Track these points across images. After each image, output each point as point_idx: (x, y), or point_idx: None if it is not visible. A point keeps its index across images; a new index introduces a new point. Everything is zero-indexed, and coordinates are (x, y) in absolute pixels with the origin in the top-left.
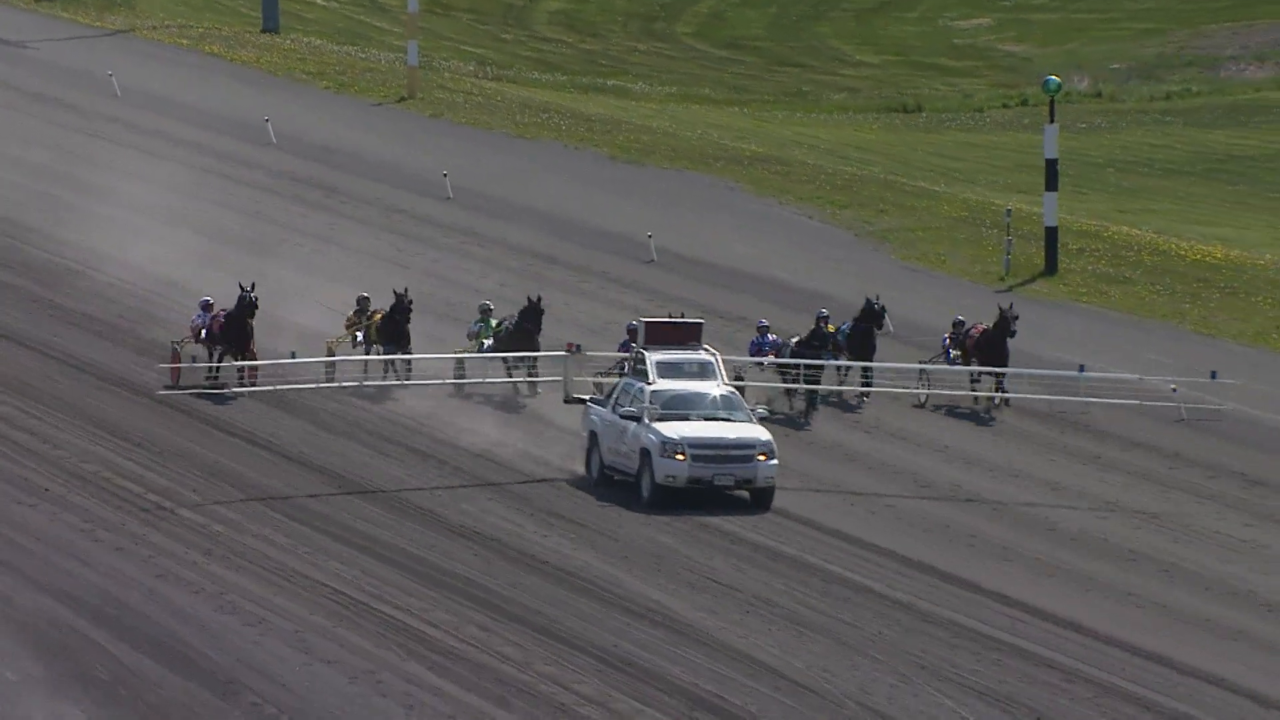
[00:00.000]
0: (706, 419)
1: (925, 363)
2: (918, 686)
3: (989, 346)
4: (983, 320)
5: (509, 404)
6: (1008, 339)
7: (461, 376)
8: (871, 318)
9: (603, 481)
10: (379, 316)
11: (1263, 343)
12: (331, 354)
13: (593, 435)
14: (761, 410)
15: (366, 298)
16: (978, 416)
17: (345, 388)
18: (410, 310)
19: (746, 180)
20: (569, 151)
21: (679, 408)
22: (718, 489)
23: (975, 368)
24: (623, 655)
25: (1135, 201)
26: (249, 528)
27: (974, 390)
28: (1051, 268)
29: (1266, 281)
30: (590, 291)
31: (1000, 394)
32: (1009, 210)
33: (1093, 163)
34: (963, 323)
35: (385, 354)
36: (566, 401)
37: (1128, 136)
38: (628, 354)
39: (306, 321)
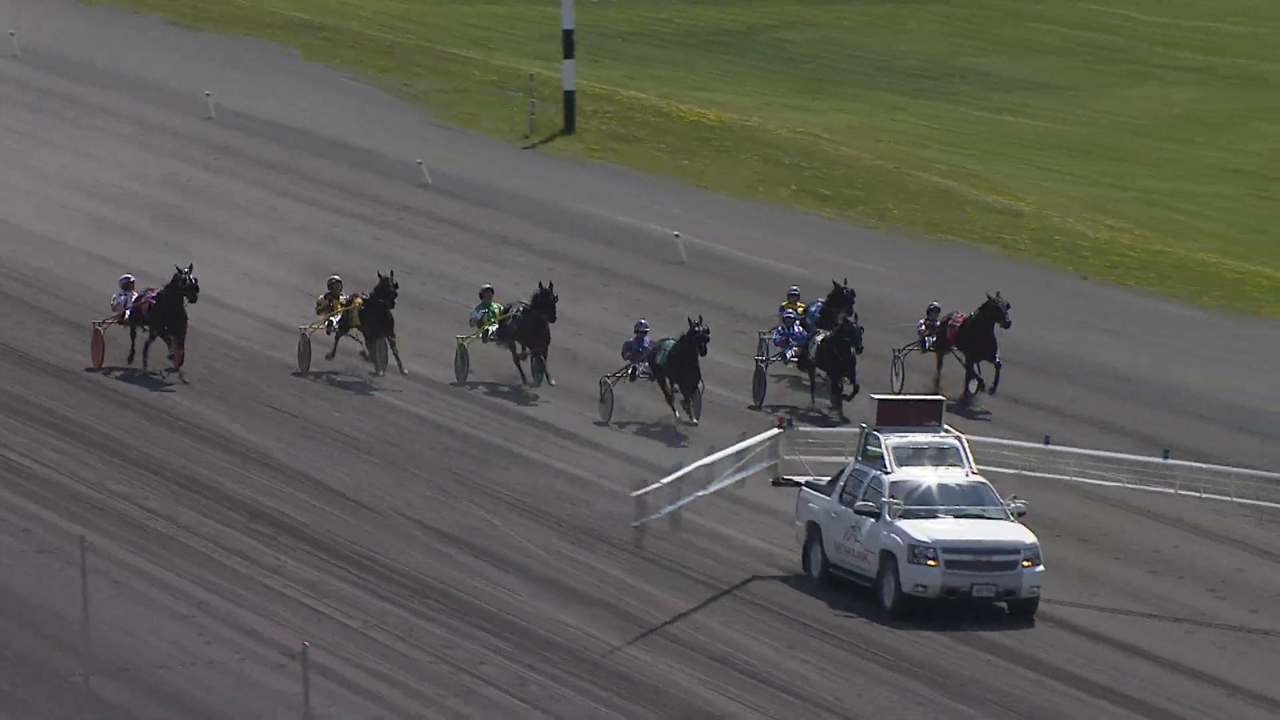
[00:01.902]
0: (957, 516)
1: (899, 352)
2: None
3: (974, 335)
4: (963, 309)
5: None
6: (994, 328)
7: (464, 367)
8: (840, 302)
9: (827, 582)
10: (359, 301)
11: (749, 194)
12: (307, 341)
13: (813, 527)
14: (1018, 504)
15: (338, 280)
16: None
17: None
18: (395, 294)
19: (298, 45)
20: (131, 16)
21: (924, 502)
22: (975, 600)
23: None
24: None
25: (641, 69)
26: None
27: (966, 382)
28: (570, 127)
29: (752, 140)
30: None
31: (979, 381)
32: (531, 76)
33: (605, 34)
34: (937, 309)
35: (371, 343)
36: (776, 484)
37: (634, 11)
38: (631, 363)
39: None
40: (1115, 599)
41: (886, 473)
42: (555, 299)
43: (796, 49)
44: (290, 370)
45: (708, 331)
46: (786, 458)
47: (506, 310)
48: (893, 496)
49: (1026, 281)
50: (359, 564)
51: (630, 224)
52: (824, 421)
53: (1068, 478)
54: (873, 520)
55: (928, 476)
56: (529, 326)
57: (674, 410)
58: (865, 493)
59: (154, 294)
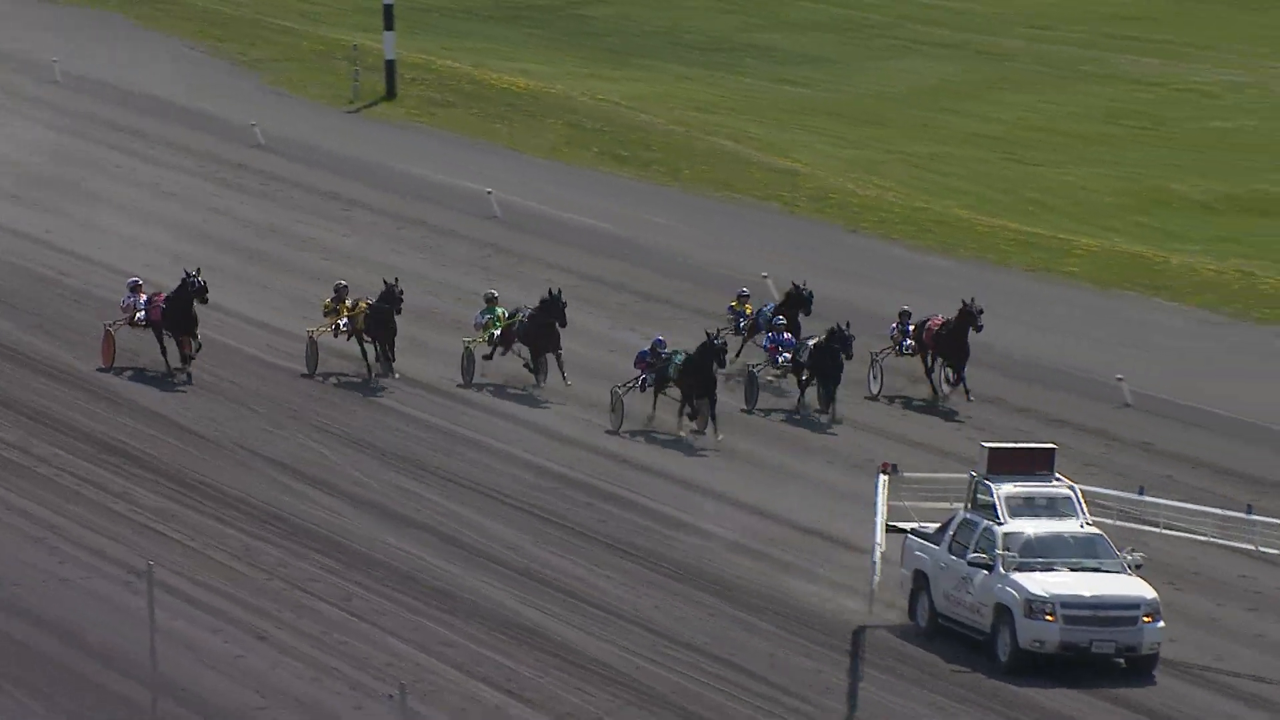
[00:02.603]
0: (1072, 568)
1: (877, 355)
2: None
3: (949, 341)
4: (940, 313)
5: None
6: (969, 333)
7: (470, 369)
8: (798, 303)
9: (934, 632)
10: (365, 305)
11: (555, 155)
12: (314, 344)
13: (920, 576)
14: (1135, 557)
15: (345, 285)
16: None
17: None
18: (401, 301)
19: (137, 15)
20: None
21: (1039, 554)
22: (1094, 656)
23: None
24: None
25: (456, 41)
26: None
27: (937, 384)
28: (391, 94)
29: (557, 107)
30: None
31: (956, 383)
32: (355, 46)
33: (423, 8)
34: (909, 313)
35: (373, 346)
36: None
37: None
38: (644, 373)
39: None
40: (1228, 645)
41: (999, 523)
42: (564, 304)
43: (598, 23)
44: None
45: (725, 344)
46: (891, 504)
47: (512, 315)
48: (1006, 548)
49: (804, 235)
50: (201, 491)
51: (447, 182)
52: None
53: (1157, 529)
54: (986, 572)
55: (1042, 527)
56: (537, 330)
57: (683, 420)
58: (977, 543)
59: (163, 297)
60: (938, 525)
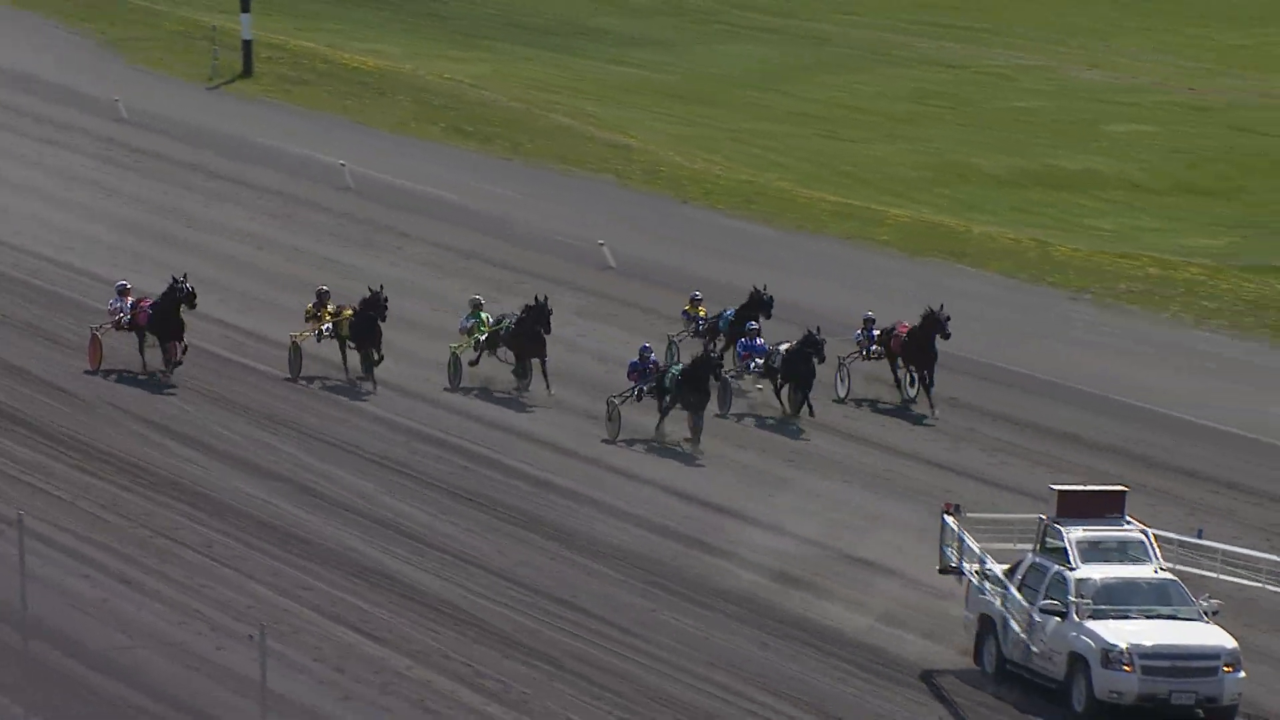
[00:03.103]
0: (1148, 616)
1: (844, 360)
2: None
3: (916, 346)
4: (905, 320)
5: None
6: (935, 339)
7: (457, 374)
8: (758, 307)
9: (1002, 678)
10: (349, 313)
11: (404, 130)
12: (297, 348)
13: (986, 621)
14: (1211, 604)
15: (326, 290)
16: None
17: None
18: (386, 308)
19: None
20: None
21: (1114, 602)
22: (1174, 708)
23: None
24: None
25: (311, 22)
26: None
27: (900, 387)
28: (248, 71)
29: (406, 85)
30: None
31: (921, 387)
32: (214, 26)
33: None
34: (873, 319)
35: (356, 351)
36: (942, 572)
37: None
38: (638, 384)
39: None
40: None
41: (1071, 569)
42: (550, 311)
43: (445, 7)
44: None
45: (721, 358)
46: (952, 545)
47: (499, 321)
48: (1080, 595)
49: (636, 205)
50: (71, 445)
51: (302, 154)
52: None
53: (1214, 575)
54: (1059, 619)
55: (1116, 573)
56: (523, 336)
57: (661, 429)
58: (1048, 589)
59: (149, 302)
60: (1005, 567)
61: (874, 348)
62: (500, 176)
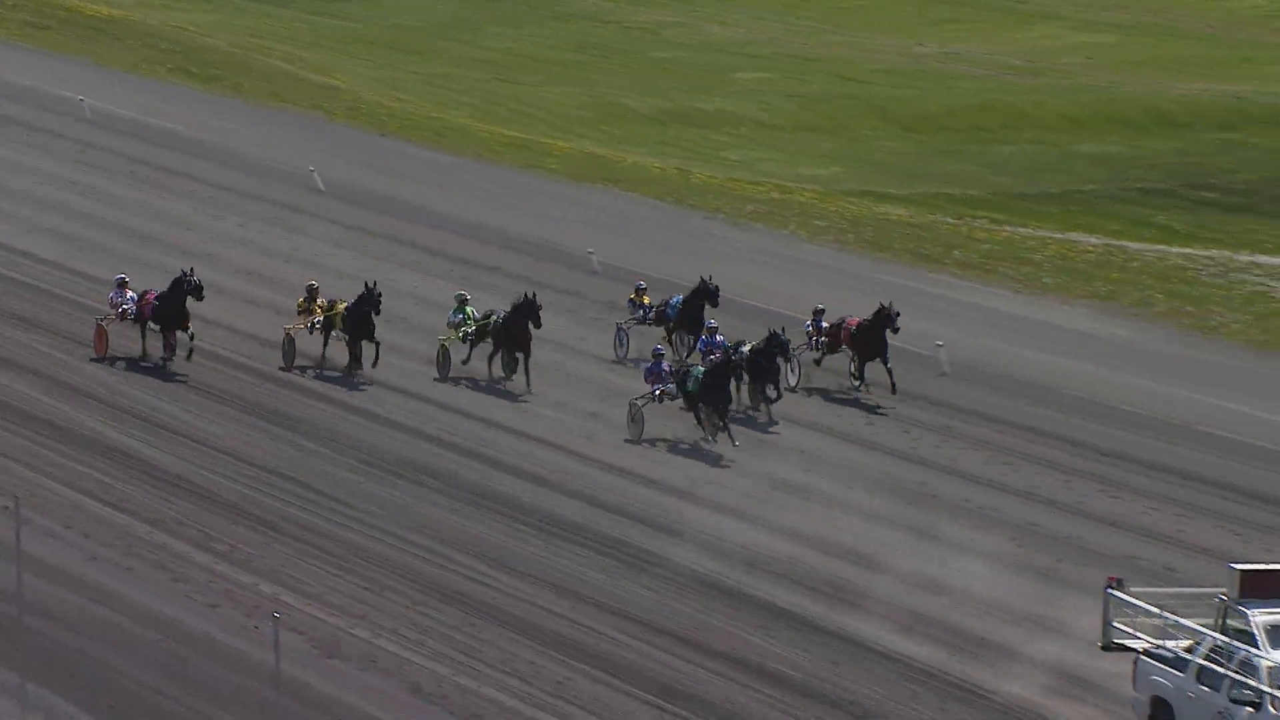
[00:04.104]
0: None
1: (794, 350)
2: None
3: (867, 339)
4: (854, 313)
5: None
6: (886, 332)
7: (445, 364)
8: (705, 295)
9: None
10: (342, 307)
11: (136, 71)
12: (291, 340)
13: (1160, 704)
14: None
15: (316, 285)
16: None
17: None
18: (380, 303)
19: None
20: None
21: None
22: None
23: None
24: None
25: None
26: None
27: (853, 376)
28: None
29: (138, 31)
30: None
31: (861, 381)
32: None
33: None
34: (822, 310)
35: (351, 344)
36: (1105, 649)
37: None
38: (659, 386)
39: None
40: None
41: (1262, 656)
42: (540, 306)
43: None
44: None
45: (742, 360)
46: (1118, 622)
47: (486, 316)
48: (1275, 685)
49: (341, 138)
50: None
51: (44, 89)
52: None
53: None
54: (1251, 710)
55: None
56: (512, 331)
57: (705, 433)
58: (1236, 677)
59: (154, 295)
60: (1181, 647)
61: (821, 340)
62: (222, 111)
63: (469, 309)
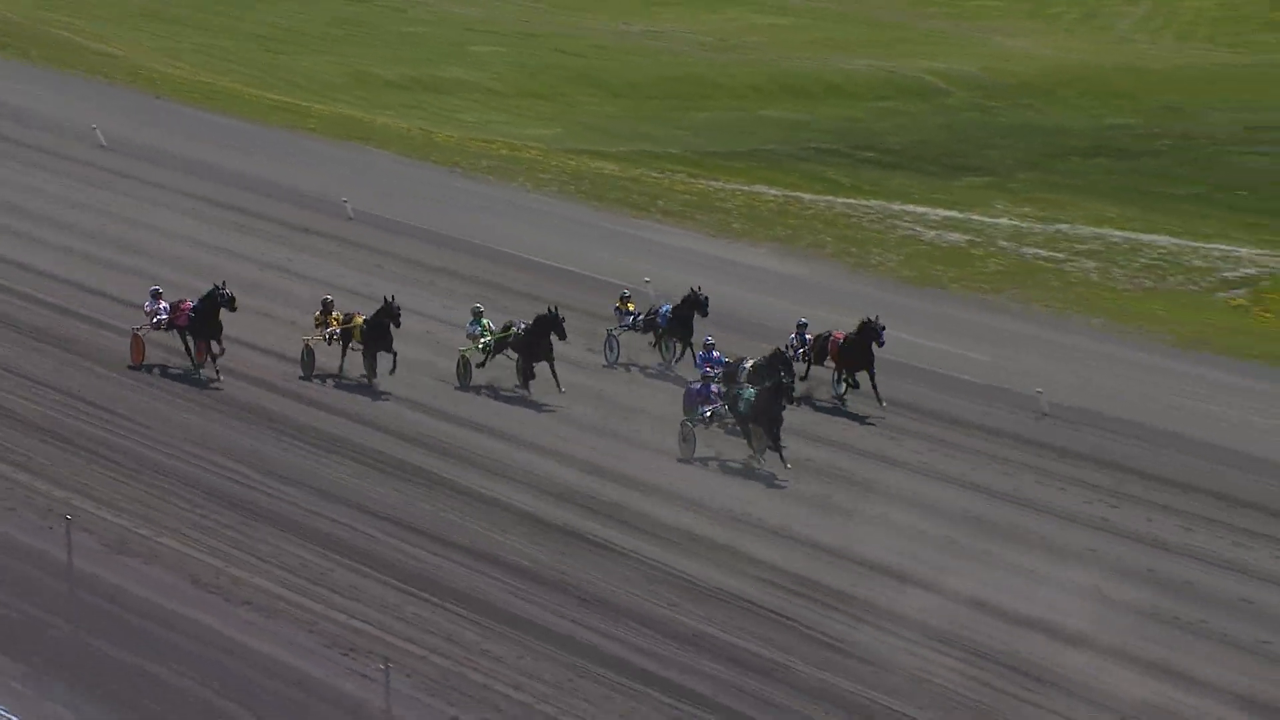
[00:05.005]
0: None
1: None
2: None
3: (854, 353)
4: (839, 328)
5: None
6: (872, 345)
7: (466, 374)
8: (694, 305)
9: None
10: (361, 319)
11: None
12: (310, 350)
13: None
14: None
15: (330, 300)
16: None
17: None
18: (399, 315)
19: None
20: None
21: None
22: None
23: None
24: None
25: None
26: None
27: (839, 386)
28: None
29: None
30: None
31: (851, 386)
32: None
33: None
34: (806, 324)
35: (370, 355)
36: None
37: None
38: (712, 408)
39: None
40: None
41: None
42: (563, 319)
43: None
44: None
45: (794, 381)
46: None
47: (507, 328)
48: None
49: (120, 98)
50: None
51: None
52: None
53: None
54: None
55: None
56: (533, 342)
57: (754, 453)
58: None
59: (189, 305)
60: None
61: (802, 351)
62: (13, 75)
63: (485, 321)
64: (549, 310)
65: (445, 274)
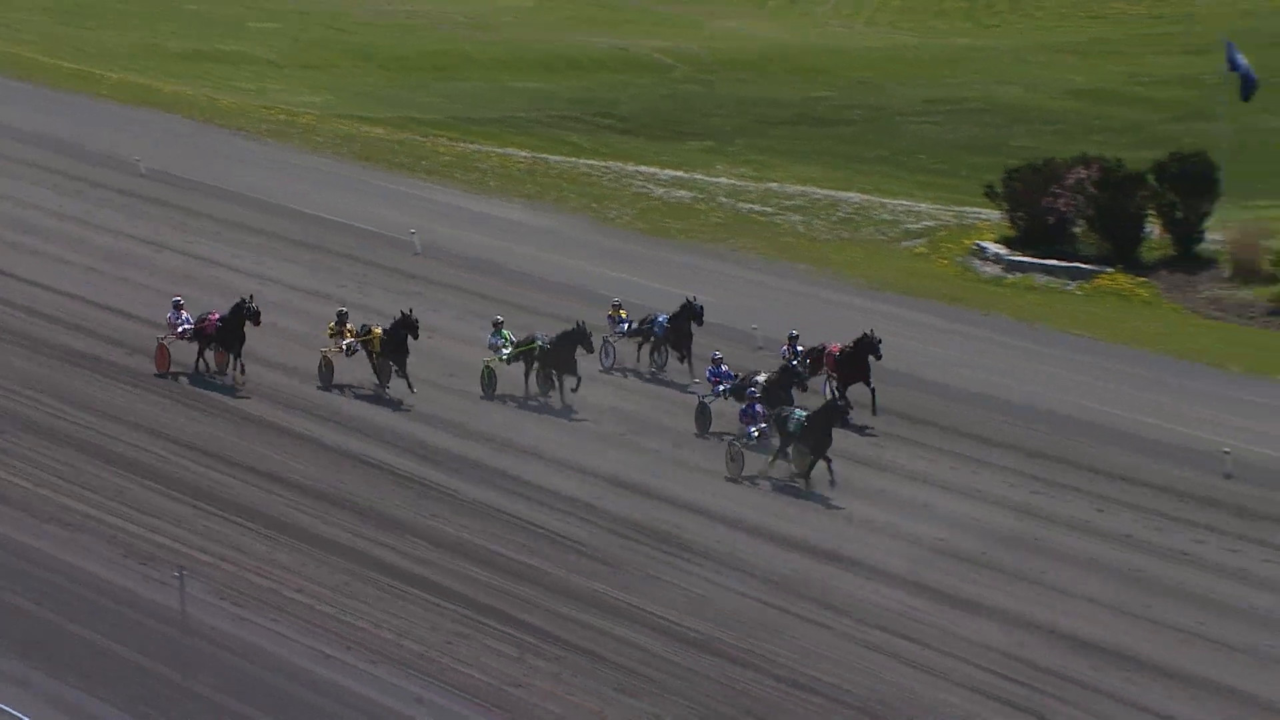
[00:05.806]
0: None
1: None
2: None
3: (851, 364)
4: (835, 340)
5: None
6: (869, 358)
7: (492, 384)
8: (690, 315)
9: None
10: (379, 331)
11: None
12: (328, 361)
13: None
14: None
15: (345, 311)
16: None
17: None
18: (417, 326)
19: None
20: None
21: None
22: None
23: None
24: None
25: None
26: None
27: (835, 396)
28: None
29: None
30: None
31: (842, 398)
32: None
33: None
34: (797, 336)
35: (388, 366)
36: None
37: None
38: (759, 426)
39: None
40: None
41: None
42: (589, 333)
43: None
44: None
45: (848, 405)
46: None
47: (531, 341)
48: None
49: None
50: None
51: None
52: None
53: None
54: None
55: None
56: (558, 354)
57: (797, 471)
58: None
59: (216, 316)
60: None
61: (796, 363)
62: None
63: (505, 332)
64: (577, 325)
65: (233, 226)
